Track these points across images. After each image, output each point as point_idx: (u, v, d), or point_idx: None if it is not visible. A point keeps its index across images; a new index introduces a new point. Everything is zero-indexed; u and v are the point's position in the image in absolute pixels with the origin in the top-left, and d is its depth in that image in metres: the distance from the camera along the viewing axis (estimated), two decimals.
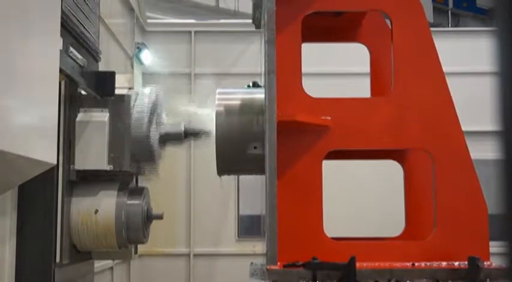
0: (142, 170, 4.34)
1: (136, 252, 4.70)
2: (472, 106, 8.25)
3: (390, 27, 3.82)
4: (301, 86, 3.70)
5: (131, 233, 4.09)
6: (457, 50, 9.11)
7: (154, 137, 4.20)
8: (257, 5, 4.37)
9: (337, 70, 9.16)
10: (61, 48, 3.26)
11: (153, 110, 4.23)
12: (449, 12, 14.15)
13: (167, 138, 4.42)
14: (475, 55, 8.58)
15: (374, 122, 3.69)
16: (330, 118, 3.65)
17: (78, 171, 3.91)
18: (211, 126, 4.13)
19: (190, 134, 4.51)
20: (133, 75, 4.58)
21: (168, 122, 4.48)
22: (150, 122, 4.18)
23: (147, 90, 4.37)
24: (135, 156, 4.16)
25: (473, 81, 8.93)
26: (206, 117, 4.37)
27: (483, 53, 6.75)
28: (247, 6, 9.90)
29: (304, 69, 3.71)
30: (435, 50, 3.76)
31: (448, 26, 13.57)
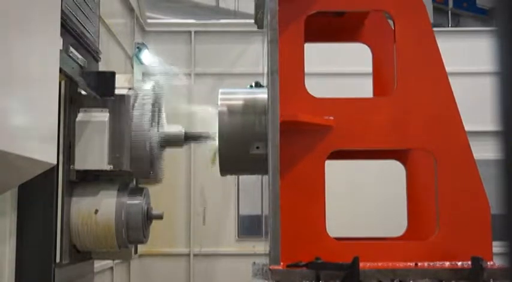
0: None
1: (136, 252, 4.69)
2: (472, 106, 8.24)
3: (393, 27, 3.82)
4: (304, 86, 3.70)
5: (131, 233, 4.08)
6: (457, 50, 9.11)
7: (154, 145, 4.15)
8: (259, 5, 4.36)
9: (339, 70, 9.17)
10: (61, 48, 3.26)
11: (153, 111, 4.20)
12: (449, 12, 14.13)
13: (167, 143, 4.39)
14: (475, 55, 8.57)
15: (376, 122, 3.68)
16: (332, 118, 3.64)
17: (78, 171, 3.90)
18: (212, 128, 4.10)
19: (190, 138, 4.48)
20: (133, 75, 4.55)
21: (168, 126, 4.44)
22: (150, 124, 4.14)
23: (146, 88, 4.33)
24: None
25: (473, 81, 8.92)
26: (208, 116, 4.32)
27: (483, 53, 6.75)
28: (247, 6, 9.90)
29: (306, 69, 3.71)
30: (438, 50, 3.75)
31: (448, 26, 13.55)
